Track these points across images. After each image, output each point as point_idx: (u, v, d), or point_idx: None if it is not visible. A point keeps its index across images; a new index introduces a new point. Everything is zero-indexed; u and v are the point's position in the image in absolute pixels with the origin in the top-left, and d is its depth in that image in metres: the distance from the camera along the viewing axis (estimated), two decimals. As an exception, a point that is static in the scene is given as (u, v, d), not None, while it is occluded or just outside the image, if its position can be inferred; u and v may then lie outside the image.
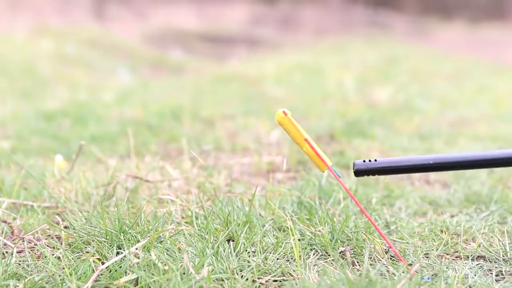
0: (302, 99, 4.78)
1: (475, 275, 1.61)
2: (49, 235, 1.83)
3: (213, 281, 1.49)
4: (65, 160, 2.53)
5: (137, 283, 1.48)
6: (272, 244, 1.73)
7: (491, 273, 1.64)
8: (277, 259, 1.66)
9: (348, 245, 1.73)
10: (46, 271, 1.55)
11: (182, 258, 1.50)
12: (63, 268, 1.54)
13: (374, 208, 2.08)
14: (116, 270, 1.52)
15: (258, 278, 1.55)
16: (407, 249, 1.76)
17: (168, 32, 10.11)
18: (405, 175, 2.67)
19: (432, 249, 1.78)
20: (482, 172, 2.66)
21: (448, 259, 1.73)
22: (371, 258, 1.69)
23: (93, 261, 1.56)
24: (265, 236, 1.78)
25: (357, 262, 1.67)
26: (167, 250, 1.62)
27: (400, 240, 1.84)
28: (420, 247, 1.78)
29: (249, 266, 1.58)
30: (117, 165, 2.43)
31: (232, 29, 11.25)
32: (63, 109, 4.02)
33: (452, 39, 10.98)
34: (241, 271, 1.57)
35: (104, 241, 1.68)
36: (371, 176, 1.57)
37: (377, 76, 6.20)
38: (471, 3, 14.09)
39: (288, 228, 1.77)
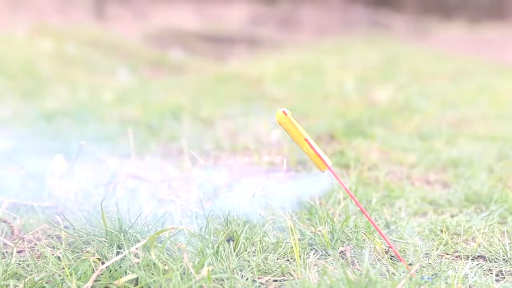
0: (302, 99, 4.78)
1: (475, 275, 1.61)
2: (49, 235, 1.83)
3: (213, 281, 1.49)
4: (65, 160, 2.53)
5: (137, 283, 1.48)
6: (272, 244, 1.73)
7: (491, 273, 1.64)
8: (277, 259, 1.66)
9: (348, 245, 1.73)
10: (46, 271, 1.55)
11: (182, 258, 1.50)
12: (63, 268, 1.54)
13: (374, 208, 2.08)
14: (116, 270, 1.52)
15: (258, 278, 1.55)
16: (407, 249, 1.76)
17: (168, 32, 10.10)
18: (404, 174, 2.67)
19: (432, 249, 1.78)
20: (482, 172, 2.66)
21: (448, 259, 1.73)
22: (371, 258, 1.69)
23: (93, 261, 1.56)
24: (265, 236, 1.78)
25: (357, 262, 1.67)
26: (167, 250, 1.62)
27: (400, 240, 1.84)
28: (420, 247, 1.78)
29: (249, 266, 1.58)
30: (117, 165, 2.43)
31: (232, 29, 11.24)
32: (63, 109, 4.01)
33: (452, 39, 10.96)
34: (241, 271, 1.57)
35: (104, 241, 1.68)
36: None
37: (377, 76, 6.19)
38: (471, 3, 14.08)
39: (288, 228, 1.77)
